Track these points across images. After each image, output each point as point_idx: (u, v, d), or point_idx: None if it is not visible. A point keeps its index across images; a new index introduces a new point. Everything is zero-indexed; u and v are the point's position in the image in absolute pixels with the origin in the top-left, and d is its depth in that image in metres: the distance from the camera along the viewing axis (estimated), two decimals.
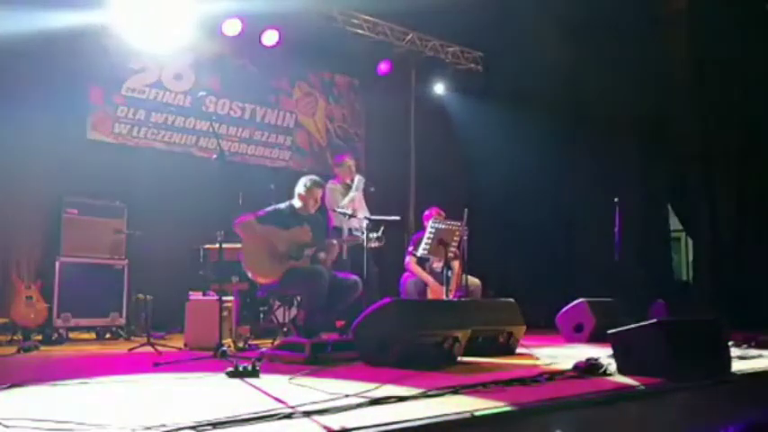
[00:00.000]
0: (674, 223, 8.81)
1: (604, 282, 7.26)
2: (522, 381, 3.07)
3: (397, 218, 6.27)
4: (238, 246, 5.08)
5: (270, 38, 7.80)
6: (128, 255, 6.38)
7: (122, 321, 6.23)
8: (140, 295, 6.20)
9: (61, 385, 3.10)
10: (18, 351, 4.81)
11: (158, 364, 3.85)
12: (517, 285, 7.80)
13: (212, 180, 4.83)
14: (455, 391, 2.77)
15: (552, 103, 8.90)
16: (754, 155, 7.68)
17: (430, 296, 6.03)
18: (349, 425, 2.10)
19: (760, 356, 4.27)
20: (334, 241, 5.30)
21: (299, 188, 5.24)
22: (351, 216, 5.80)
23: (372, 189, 6.27)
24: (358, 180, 6.24)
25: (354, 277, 5.07)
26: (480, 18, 8.70)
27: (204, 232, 6.26)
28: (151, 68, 7.42)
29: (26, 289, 5.74)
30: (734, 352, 3.96)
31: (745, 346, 4.75)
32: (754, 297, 7.43)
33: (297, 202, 5.24)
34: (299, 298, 5.21)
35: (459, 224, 5.72)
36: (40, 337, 5.69)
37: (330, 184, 6.26)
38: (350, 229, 6.00)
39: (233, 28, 7.44)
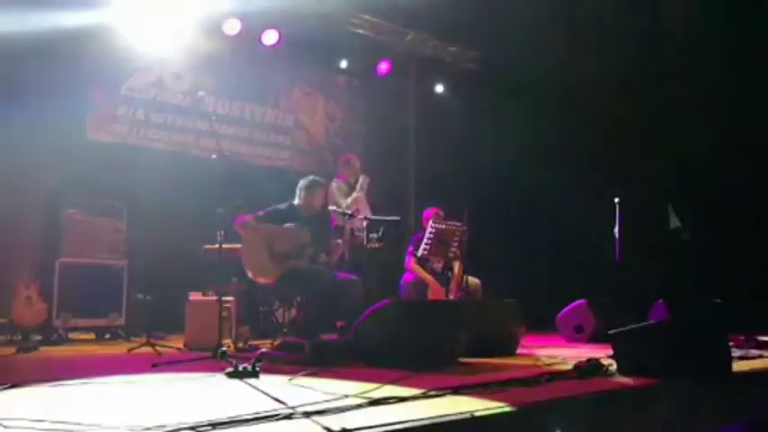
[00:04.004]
0: (674, 223, 8.80)
1: (604, 282, 7.25)
2: (522, 381, 3.06)
3: (397, 218, 6.28)
4: (238, 246, 5.09)
5: (270, 38, 7.80)
6: (127, 255, 6.38)
7: (122, 322, 6.23)
8: (140, 295, 6.19)
9: (61, 385, 3.09)
10: (17, 351, 4.81)
11: (157, 364, 3.84)
12: (517, 285, 7.79)
13: (212, 180, 4.83)
14: (455, 391, 2.76)
15: (552, 103, 8.90)
16: (754, 154, 7.68)
17: (430, 296, 6.02)
18: (349, 425, 2.09)
19: (760, 356, 4.27)
20: (339, 241, 5.29)
21: (300, 189, 5.25)
22: (351, 216, 5.81)
23: (368, 180, 6.25)
24: (362, 180, 6.23)
25: (354, 277, 5.07)
26: (480, 18, 8.70)
27: (204, 232, 6.26)
28: (151, 68, 7.43)
29: (25, 289, 5.74)
30: (734, 352, 3.96)
31: (745, 346, 4.74)
32: (754, 297, 7.42)
33: (298, 203, 5.25)
34: (299, 298, 5.22)
35: (459, 224, 5.72)
36: (39, 338, 5.69)
37: (335, 183, 6.26)
38: (351, 229, 6.00)
39: (232, 28, 7.44)
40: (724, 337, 3.69)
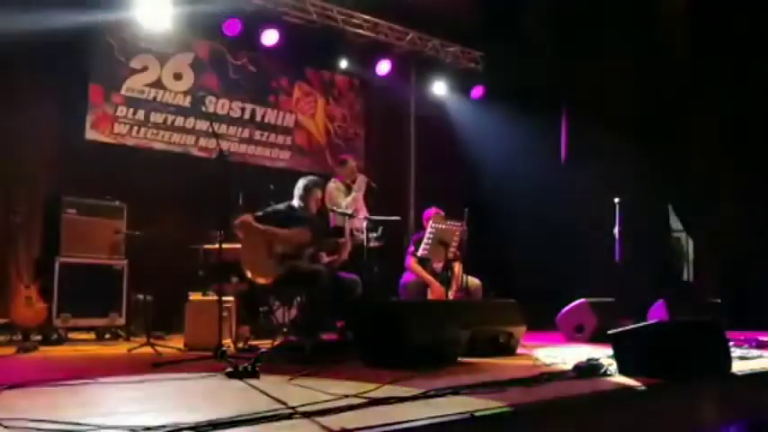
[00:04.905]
0: (674, 223, 8.82)
1: (604, 282, 7.26)
2: (522, 381, 3.06)
3: (398, 218, 6.28)
4: (238, 246, 5.08)
5: (270, 38, 7.80)
6: (127, 255, 6.38)
7: (122, 322, 6.23)
8: (140, 295, 6.19)
9: (61, 385, 3.09)
10: (17, 351, 4.81)
11: (158, 364, 3.84)
12: (517, 285, 7.79)
13: (212, 180, 4.84)
14: (455, 391, 2.76)
15: (552, 103, 8.90)
16: (754, 154, 7.68)
17: (430, 297, 6.02)
18: (349, 425, 2.09)
19: (760, 356, 4.27)
20: (345, 239, 5.29)
21: (299, 190, 5.25)
22: (351, 216, 5.81)
23: (374, 185, 6.26)
24: (360, 180, 6.24)
25: (354, 277, 5.07)
26: (480, 18, 8.71)
27: (204, 232, 6.26)
28: (151, 68, 7.42)
29: (25, 289, 5.73)
30: (734, 352, 3.96)
31: (745, 346, 4.75)
32: (754, 297, 7.43)
33: (297, 203, 5.25)
34: (299, 298, 5.22)
35: (459, 224, 5.72)
36: (39, 338, 5.69)
37: (332, 183, 6.27)
38: (351, 229, 6.00)
39: (233, 28, 7.45)
40: (724, 337, 3.70)
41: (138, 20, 7.02)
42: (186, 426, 2.06)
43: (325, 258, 5.15)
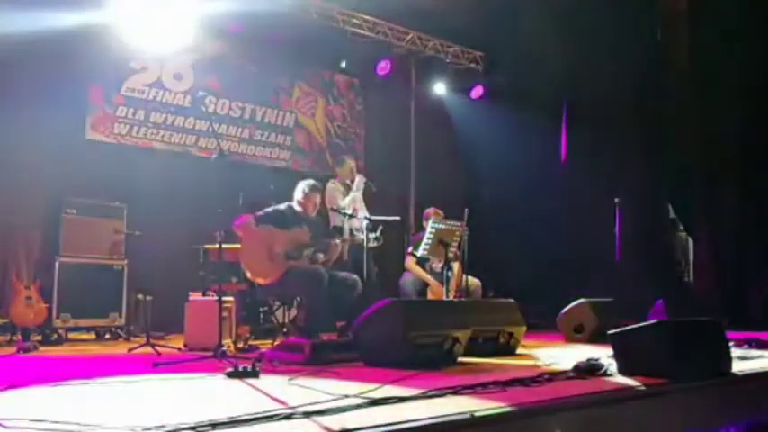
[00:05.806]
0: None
1: (604, 282, 7.25)
2: (522, 381, 3.06)
3: (398, 218, 6.28)
4: (238, 246, 5.09)
5: (270, 38, 7.80)
6: (127, 255, 6.38)
7: (122, 322, 6.23)
8: (140, 295, 6.19)
9: (61, 385, 3.09)
10: (17, 351, 4.81)
11: (158, 364, 3.84)
12: (517, 285, 7.79)
13: (212, 180, 4.84)
14: (455, 391, 2.76)
15: (552, 103, 8.91)
16: (754, 154, 7.68)
17: (430, 296, 6.03)
18: (349, 425, 2.09)
19: (760, 356, 4.27)
20: (337, 241, 5.30)
21: (298, 194, 5.26)
22: (351, 216, 5.81)
23: (374, 190, 6.28)
24: (359, 180, 6.24)
25: (354, 277, 5.08)
26: (480, 18, 8.70)
27: (204, 232, 6.26)
28: (151, 68, 7.42)
29: (25, 289, 5.74)
30: (734, 352, 3.95)
31: (745, 346, 4.74)
32: (754, 297, 7.43)
33: (296, 204, 5.26)
34: (299, 298, 5.22)
35: (459, 224, 5.72)
36: (39, 338, 5.69)
37: (331, 184, 6.28)
38: (350, 229, 6.01)
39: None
40: (724, 337, 3.70)
41: (139, 20, 7.01)
42: (186, 426, 2.06)
43: (321, 258, 5.16)
